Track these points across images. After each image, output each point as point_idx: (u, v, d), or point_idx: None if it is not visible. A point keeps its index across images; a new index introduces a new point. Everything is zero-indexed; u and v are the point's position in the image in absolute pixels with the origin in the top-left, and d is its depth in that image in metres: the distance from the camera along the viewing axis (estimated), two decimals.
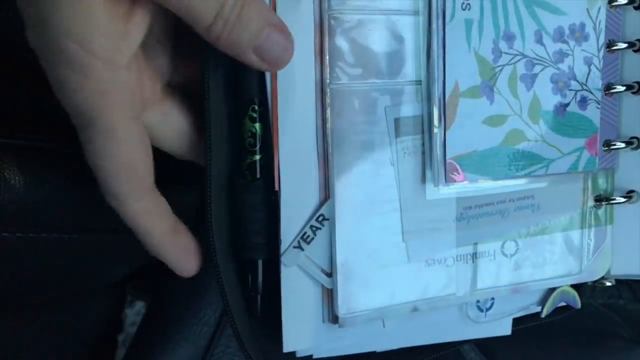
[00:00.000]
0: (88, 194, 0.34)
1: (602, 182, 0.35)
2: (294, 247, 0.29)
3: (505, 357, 0.41)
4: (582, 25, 0.32)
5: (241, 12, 0.24)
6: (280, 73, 0.27)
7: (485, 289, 0.33)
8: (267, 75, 0.28)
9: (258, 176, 0.28)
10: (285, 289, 0.29)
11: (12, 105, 0.34)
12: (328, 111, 0.28)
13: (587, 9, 0.32)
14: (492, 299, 0.35)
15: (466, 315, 0.34)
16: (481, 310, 0.35)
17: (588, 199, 0.35)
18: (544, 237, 0.34)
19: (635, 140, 0.34)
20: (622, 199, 0.35)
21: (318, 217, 0.29)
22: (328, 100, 0.28)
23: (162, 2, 0.23)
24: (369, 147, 0.29)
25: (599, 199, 0.35)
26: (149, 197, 0.27)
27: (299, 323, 0.30)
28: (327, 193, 0.29)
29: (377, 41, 0.29)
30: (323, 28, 0.28)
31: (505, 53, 0.30)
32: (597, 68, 0.33)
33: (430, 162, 0.30)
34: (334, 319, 0.30)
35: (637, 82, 0.34)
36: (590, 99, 0.33)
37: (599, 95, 0.33)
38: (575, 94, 0.32)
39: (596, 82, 0.33)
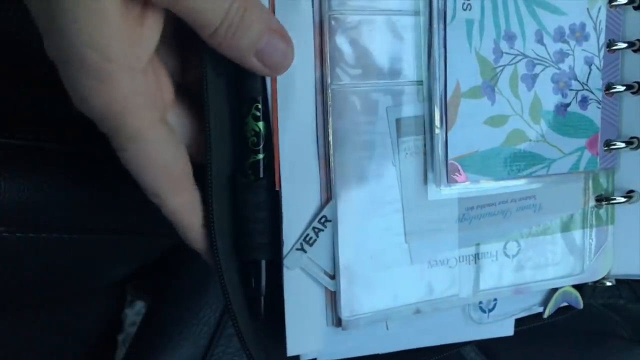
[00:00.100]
0: (88, 194, 0.35)
1: (603, 182, 0.35)
2: (297, 249, 0.29)
3: (506, 358, 0.41)
4: (583, 25, 0.32)
5: (243, 17, 0.24)
6: (280, 76, 0.27)
7: (488, 289, 0.33)
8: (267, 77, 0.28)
9: (261, 175, 0.28)
10: (288, 292, 0.29)
11: (12, 105, 0.34)
12: (329, 112, 0.28)
13: (588, 9, 0.32)
14: (495, 300, 0.35)
15: (469, 317, 0.34)
16: (484, 312, 0.35)
17: (589, 199, 0.35)
18: (546, 237, 0.34)
19: (635, 140, 0.34)
20: (622, 199, 0.35)
21: (320, 218, 0.29)
22: (329, 101, 0.28)
23: (171, 7, 0.23)
24: (371, 147, 0.29)
25: (600, 199, 0.35)
26: (188, 193, 0.28)
27: (303, 326, 0.30)
28: (328, 194, 0.29)
29: (378, 42, 0.29)
30: (323, 29, 0.28)
31: (506, 53, 0.30)
32: (597, 68, 0.33)
33: (432, 162, 0.30)
34: (337, 321, 0.30)
35: (637, 82, 0.34)
36: (591, 99, 0.33)
37: (599, 95, 0.33)
38: (576, 93, 0.32)
39: (597, 82, 0.33)
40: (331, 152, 0.29)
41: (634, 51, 0.33)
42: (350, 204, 0.29)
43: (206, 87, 0.26)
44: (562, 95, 0.32)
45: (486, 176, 0.31)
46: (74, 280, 0.40)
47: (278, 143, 0.28)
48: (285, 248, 0.29)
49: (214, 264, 0.28)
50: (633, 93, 0.34)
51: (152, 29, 0.24)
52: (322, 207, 0.29)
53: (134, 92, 0.24)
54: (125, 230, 0.38)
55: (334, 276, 0.30)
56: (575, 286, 0.36)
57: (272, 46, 0.25)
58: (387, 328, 0.32)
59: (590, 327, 0.43)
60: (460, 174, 0.30)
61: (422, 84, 0.30)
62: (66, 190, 0.34)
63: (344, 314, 0.30)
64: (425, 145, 0.30)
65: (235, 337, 0.42)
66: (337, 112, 0.28)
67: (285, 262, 0.29)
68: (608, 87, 0.33)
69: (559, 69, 0.32)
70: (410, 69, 0.30)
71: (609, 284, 0.37)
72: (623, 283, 0.38)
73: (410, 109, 0.30)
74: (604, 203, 0.35)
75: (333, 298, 0.30)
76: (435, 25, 0.29)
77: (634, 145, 0.34)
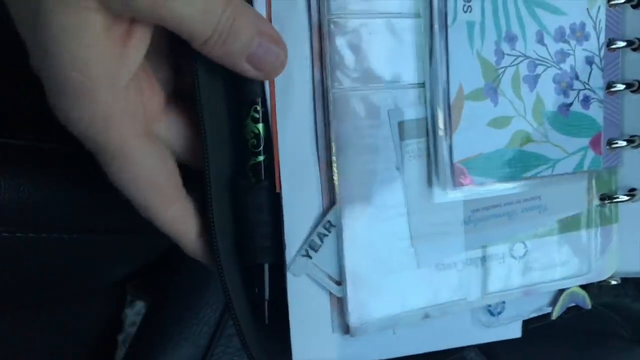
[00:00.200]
0: (88, 194, 0.35)
1: (606, 180, 0.35)
2: (302, 255, 0.29)
3: (506, 358, 0.41)
4: (583, 25, 0.32)
5: (233, 23, 0.24)
6: (278, 78, 0.27)
7: (496, 292, 0.33)
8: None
9: (262, 178, 0.28)
10: (292, 298, 0.29)
11: (12, 105, 0.34)
12: (331, 116, 0.28)
13: (587, 9, 0.32)
14: (503, 302, 0.34)
15: (477, 320, 0.34)
16: (492, 315, 0.34)
17: (593, 198, 0.34)
18: (552, 237, 0.34)
19: (636, 138, 0.34)
20: (625, 197, 0.35)
21: (325, 224, 0.29)
22: (330, 106, 0.28)
23: (160, 22, 0.23)
24: (374, 151, 0.29)
25: (604, 198, 0.35)
26: (178, 205, 0.28)
27: (308, 333, 0.30)
28: (331, 198, 0.29)
29: (378, 45, 0.29)
30: (323, 33, 0.28)
31: (508, 54, 0.30)
32: (598, 67, 0.33)
33: (437, 166, 0.30)
34: (345, 328, 0.30)
35: (637, 81, 0.34)
36: (592, 98, 0.33)
37: (601, 94, 0.33)
38: (578, 93, 0.32)
39: (598, 81, 0.33)
40: (334, 156, 0.28)
41: (633, 50, 0.33)
42: (355, 209, 0.29)
43: (199, 92, 0.26)
44: (564, 95, 0.32)
45: (491, 178, 0.31)
46: (74, 280, 0.40)
47: (277, 145, 0.28)
48: (289, 254, 0.29)
49: (215, 268, 0.28)
50: (633, 92, 0.34)
51: (137, 47, 0.24)
52: (323, 209, 0.29)
53: (116, 110, 0.24)
54: (125, 231, 0.38)
55: (340, 282, 0.30)
56: (582, 286, 0.36)
57: (264, 50, 0.25)
58: (394, 333, 0.32)
59: (590, 327, 0.43)
60: (465, 177, 0.30)
61: (423, 87, 0.30)
62: (66, 190, 0.34)
63: (352, 320, 0.30)
64: (428, 148, 0.30)
65: (235, 337, 0.42)
66: (338, 116, 0.28)
67: (291, 269, 0.29)
68: (609, 86, 0.33)
69: (560, 69, 0.32)
70: (411, 72, 0.29)
71: (614, 282, 0.36)
72: (628, 281, 0.37)
73: (412, 111, 0.30)
74: (607, 202, 0.35)
75: (339, 304, 0.30)
76: (436, 28, 0.29)
77: (635, 144, 0.34)
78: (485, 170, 0.30)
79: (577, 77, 0.32)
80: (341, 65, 0.28)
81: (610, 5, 0.33)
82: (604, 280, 0.36)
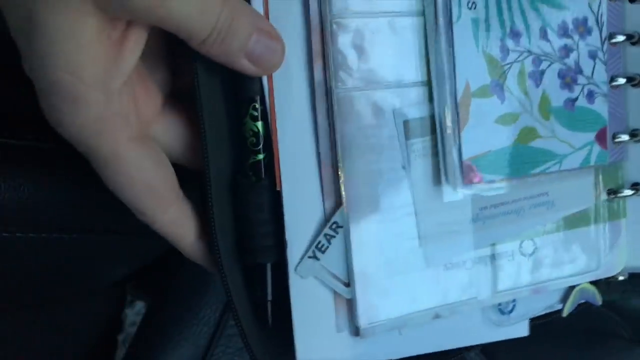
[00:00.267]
0: (88, 194, 0.35)
1: (613, 175, 0.34)
2: (309, 257, 0.29)
3: (506, 358, 0.41)
4: (585, 19, 0.32)
5: (232, 21, 0.24)
6: (275, 74, 0.27)
7: (507, 290, 0.33)
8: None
9: (263, 176, 0.28)
10: (295, 298, 0.29)
11: (12, 105, 0.34)
12: (335, 117, 0.28)
13: (589, 3, 0.32)
14: (514, 301, 0.34)
15: (488, 319, 0.34)
16: (503, 313, 0.34)
17: (601, 193, 0.34)
18: (561, 234, 0.34)
19: (639, 132, 0.34)
20: (630, 192, 0.35)
21: (331, 224, 0.29)
22: (335, 106, 0.28)
23: (158, 22, 0.23)
24: (379, 151, 0.29)
25: (610, 193, 0.34)
26: (175, 208, 0.28)
27: (312, 333, 0.29)
28: (337, 199, 0.29)
29: (381, 44, 0.28)
30: (325, 33, 0.27)
31: (513, 51, 0.30)
32: (601, 61, 0.32)
33: (446, 164, 0.30)
34: (354, 330, 0.30)
35: (638, 74, 0.33)
36: (597, 93, 0.32)
37: (605, 88, 0.33)
38: (583, 88, 0.32)
39: (602, 75, 0.33)
40: (339, 157, 0.28)
41: (632, 44, 0.33)
42: (361, 210, 0.29)
43: (198, 91, 0.26)
44: (569, 90, 0.32)
45: (500, 175, 0.31)
46: (74, 280, 0.40)
47: (277, 142, 0.28)
48: (295, 255, 0.29)
49: (216, 269, 0.28)
50: (633, 85, 0.34)
51: (131, 50, 0.24)
52: (324, 207, 0.29)
53: (108, 113, 0.24)
54: (125, 231, 0.38)
55: (348, 283, 0.29)
56: (594, 283, 0.35)
57: (262, 46, 0.25)
58: (400, 333, 0.32)
59: (590, 327, 0.43)
60: (475, 174, 0.30)
61: (427, 85, 0.29)
62: (66, 190, 0.34)
63: (362, 322, 0.29)
64: (435, 147, 0.30)
65: (235, 337, 0.42)
66: (342, 116, 0.28)
67: (298, 270, 0.29)
68: (612, 80, 0.33)
69: (564, 64, 0.31)
70: (415, 71, 0.29)
71: (621, 278, 0.36)
72: (636, 277, 0.37)
73: (417, 110, 0.29)
74: (614, 196, 0.34)
75: (345, 304, 0.30)
76: (441, 25, 0.29)
77: (638, 138, 0.34)
78: (494, 167, 0.30)
79: (581, 72, 0.32)
80: (344, 66, 0.28)
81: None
82: (612, 277, 0.36)
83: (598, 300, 0.36)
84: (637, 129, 0.34)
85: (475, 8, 0.29)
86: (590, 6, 0.32)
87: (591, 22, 0.32)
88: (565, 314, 0.36)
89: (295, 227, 0.28)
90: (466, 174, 0.30)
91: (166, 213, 0.27)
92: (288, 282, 0.29)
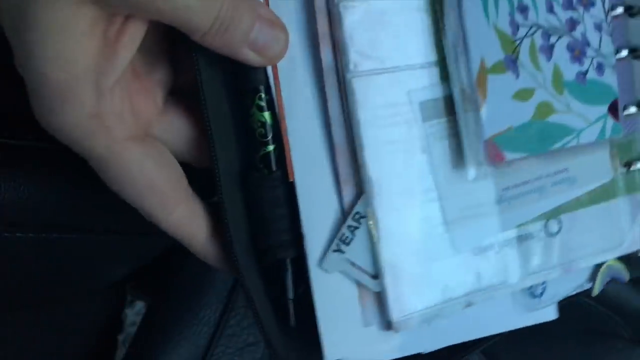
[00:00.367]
0: (88, 195, 0.35)
1: (626, 148, 0.34)
2: (334, 250, 0.27)
3: (506, 358, 0.41)
4: None
5: (233, 11, 0.23)
6: (280, 62, 0.26)
7: (537, 272, 0.32)
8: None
9: (274, 168, 0.27)
10: (318, 295, 0.28)
11: (12, 105, 0.34)
12: (349, 103, 0.27)
13: None
14: (544, 283, 0.33)
15: (519, 304, 0.33)
16: (534, 296, 0.33)
17: (618, 167, 0.34)
18: (584, 210, 0.33)
19: None
20: None
21: (354, 215, 0.27)
22: (348, 92, 0.27)
23: (158, 16, 0.22)
24: (397, 136, 0.28)
25: (627, 164, 0.34)
26: (184, 207, 0.27)
27: (339, 330, 0.28)
28: (357, 188, 0.28)
29: (390, 25, 0.27)
30: (332, 15, 0.27)
31: (522, 26, 0.29)
32: (607, 33, 0.32)
33: (467, 144, 0.29)
34: (385, 324, 0.29)
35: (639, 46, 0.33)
36: (605, 65, 0.32)
37: (612, 60, 0.32)
38: (592, 60, 0.31)
39: (609, 47, 0.32)
40: (356, 145, 0.27)
41: (630, 15, 0.33)
42: (384, 198, 0.28)
43: (201, 86, 0.26)
44: (579, 63, 0.31)
45: (522, 152, 0.30)
46: (74, 280, 0.40)
47: (287, 132, 0.27)
48: (315, 249, 0.27)
49: (234, 271, 0.27)
50: (635, 57, 0.33)
51: (126, 46, 0.23)
52: (340, 196, 0.28)
53: (101, 111, 0.23)
54: (125, 231, 0.38)
55: (376, 276, 0.28)
56: (621, 259, 0.35)
57: (265, 35, 0.25)
58: (429, 324, 0.30)
59: (590, 327, 0.43)
60: (498, 153, 0.29)
61: (439, 65, 0.29)
62: (66, 190, 0.34)
63: (394, 314, 0.28)
64: (453, 128, 0.29)
65: (235, 337, 0.42)
66: (356, 102, 0.27)
67: (323, 265, 0.27)
68: (617, 52, 0.33)
69: (572, 37, 0.31)
70: (427, 50, 0.28)
71: None
72: (636, 277, 0.37)
73: (432, 91, 0.29)
74: (629, 168, 0.34)
75: (373, 298, 0.28)
76: (449, 2, 0.28)
77: None
78: (516, 144, 0.29)
79: (588, 44, 0.31)
80: (355, 50, 0.27)
81: None
82: (634, 252, 0.35)
83: (626, 276, 0.35)
84: None
85: None
86: None
87: None
88: (595, 292, 0.35)
89: (311, 219, 0.27)
90: (489, 153, 0.29)
91: (174, 213, 0.26)
92: (308, 277, 0.27)
